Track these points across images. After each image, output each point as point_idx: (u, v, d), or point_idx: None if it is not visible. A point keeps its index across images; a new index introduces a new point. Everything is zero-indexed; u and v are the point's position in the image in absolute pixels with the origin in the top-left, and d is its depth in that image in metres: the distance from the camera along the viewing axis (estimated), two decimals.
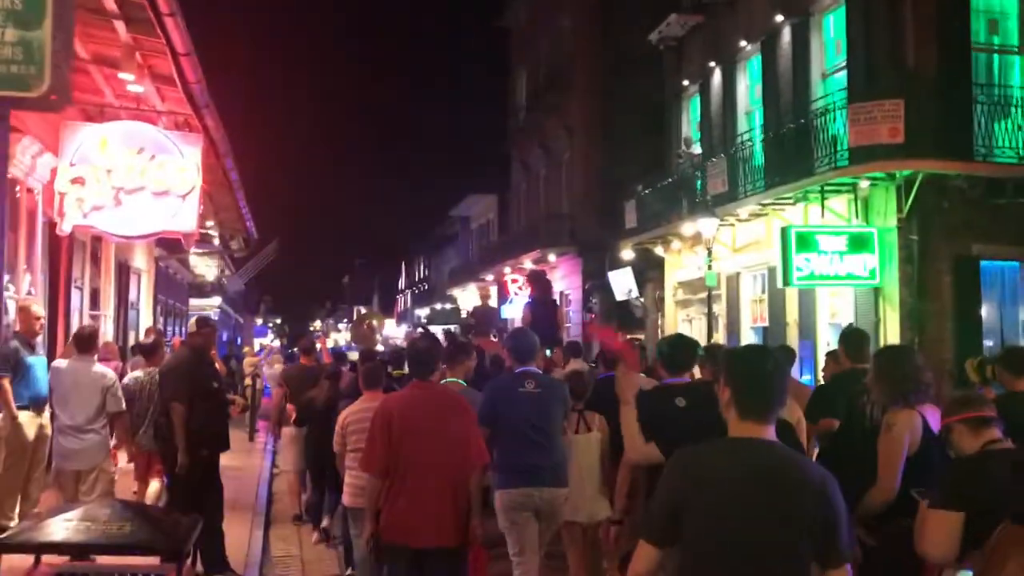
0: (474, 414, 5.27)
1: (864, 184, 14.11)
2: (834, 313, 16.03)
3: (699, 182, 18.12)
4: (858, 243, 14.33)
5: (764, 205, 16.44)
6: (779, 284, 15.18)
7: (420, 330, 20.15)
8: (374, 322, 51.11)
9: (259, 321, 73.26)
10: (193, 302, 32.75)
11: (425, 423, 4.97)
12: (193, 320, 7.40)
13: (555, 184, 31.34)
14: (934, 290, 14.03)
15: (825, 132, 15.17)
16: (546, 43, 32.11)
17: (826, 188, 14.89)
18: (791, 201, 15.84)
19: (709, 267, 16.80)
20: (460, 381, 6.21)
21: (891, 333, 14.18)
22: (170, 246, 20.18)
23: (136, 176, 9.13)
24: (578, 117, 28.88)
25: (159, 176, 9.18)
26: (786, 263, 14.23)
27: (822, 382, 8.66)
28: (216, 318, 40.82)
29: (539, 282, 10.38)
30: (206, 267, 40.41)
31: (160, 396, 7.22)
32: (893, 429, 4.14)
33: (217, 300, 39.12)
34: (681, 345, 5.31)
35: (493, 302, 34.22)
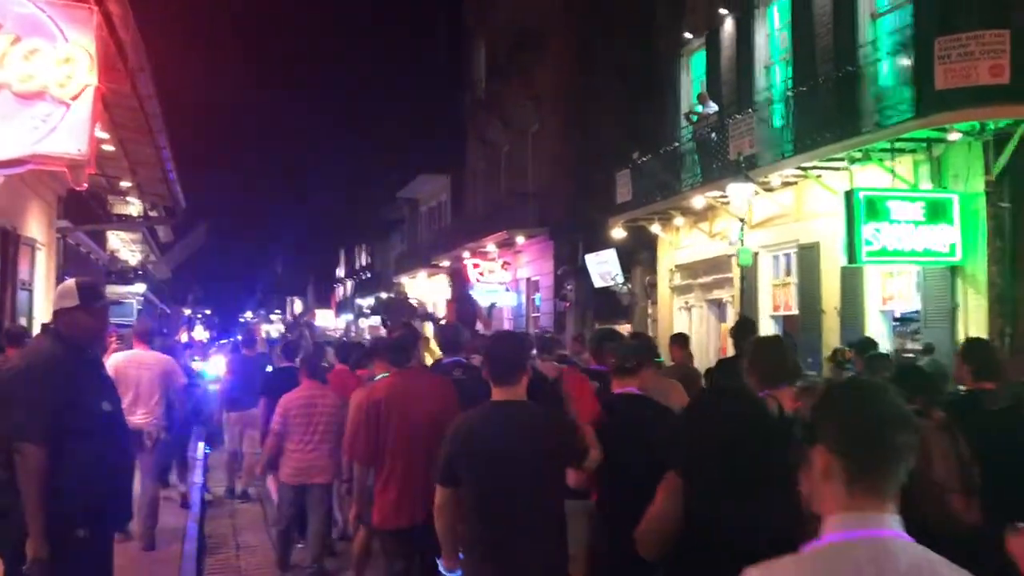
0: (454, 395, 5.36)
1: (953, 136, 11.39)
2: (887, 298, 13.40)
3: (725, 142, 15.20)
4: (935, 212, 11.70)
5: (804, 169, 13.71)
6: (842, 262, 12.40)
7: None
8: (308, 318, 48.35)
9: (187, 312, 69.17)
10: (113, 289, 28.78)
11: (411, 407, 5.19)
12: (65, 285, 3.92)
13: (519, 161, 28.36)
14: None
15: (875, 82, 12.64)
16: (509, 3, 29.07)
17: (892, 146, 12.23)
18: (843, 163, 13.13)
19: (742, 242, 13.98)
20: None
21: (974, 322, 11.57)
22: (76, 215, 16.72)
23: None
24: (548, 84, 25.97)
25: (29, 68, 5.93)
26: (853, 235, 11.45)
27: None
28: (140, 307, 36.81)
29: (456, 278, 10.13)
30: (129, 252, 36.58)
31: None
32: None
33: (142, 287, 35.36)
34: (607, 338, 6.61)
35: (437, 293, 32.01)
